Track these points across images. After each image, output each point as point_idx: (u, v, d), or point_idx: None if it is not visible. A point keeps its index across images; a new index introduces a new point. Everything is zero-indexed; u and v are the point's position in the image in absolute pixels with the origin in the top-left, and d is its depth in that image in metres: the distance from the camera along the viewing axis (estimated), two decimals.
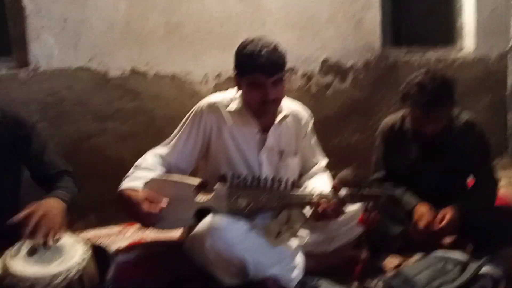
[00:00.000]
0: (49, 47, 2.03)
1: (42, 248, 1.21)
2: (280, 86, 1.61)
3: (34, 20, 1.99)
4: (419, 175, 1.92)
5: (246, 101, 1.65)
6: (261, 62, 1.53)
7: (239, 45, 1.62)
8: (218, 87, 2.38)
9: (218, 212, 1.51)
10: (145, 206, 1.46)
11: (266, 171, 1.68)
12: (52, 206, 1.31)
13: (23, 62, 2.02)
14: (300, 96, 2.57)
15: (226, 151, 1.67)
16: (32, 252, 1.19)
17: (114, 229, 2.08)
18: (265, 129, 1.70)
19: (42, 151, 1.57)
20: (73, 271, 1.16)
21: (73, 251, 1.23)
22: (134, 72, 2.22)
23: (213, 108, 1.69)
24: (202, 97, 2.32)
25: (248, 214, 1.55)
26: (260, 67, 1.53)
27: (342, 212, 1.52)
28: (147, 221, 1.52)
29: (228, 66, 2.37)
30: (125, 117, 2.24)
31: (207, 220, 1.48)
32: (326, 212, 1.49)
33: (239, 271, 1.50)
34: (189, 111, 2.21)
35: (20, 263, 1.14)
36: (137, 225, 1.98)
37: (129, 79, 2.21)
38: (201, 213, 1.54)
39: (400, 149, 1.97)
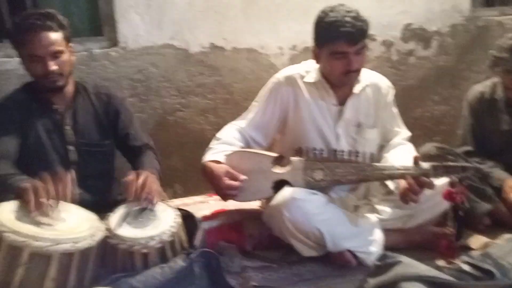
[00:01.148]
0: (136, 26, 2.14)
1: (139, 212, 1.33)
2: (362, 55, 1.56)
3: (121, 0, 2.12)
4: (511, 149, 1.77)
5: (325, 72, 1.62)
6: (344, 30, 1.48)
7: (319, 14, 1.58)
8: (294, 59, 2.36)
9: (295, 185, 1.54)
10: (226, 180, 1.53)
11: (343, 144, 1.66)
12: (149, 175, 1.42)
13: (114, 41, 2.17)
14: (379, 64, 2.47)
15: (302, 124, 1.67)
16: (130, 216, 1.32)
17: (198, 198, 2.20)
18: (342, 101, 1.67)
19: (129, 123, 1.71)
20: (166, 235, 1.27)
21: (165, 216, 1.34)
22: (213, 47, 2.28)
23: (290, 80, 1.68)
24: (278, 70, 2.33)
25: (324, 187, 1.57)
26: (344, 35, 1.49)
27: (429, 186, 1.43)
28: (228, 193, 1.59)
29: (303, 37, 2.36)
30: (205, 91, 2.32)
31: (285, 191, 1.52)
32: (410, 187, 1.43)
33: (317, 243, 1.54)
34: (265, 84, 2.24)
35: (121, 226, 1.28)
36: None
37: (209, 55, 2.28)
38: (278, 185, 1.58)
39: (490, 121, 1.83)
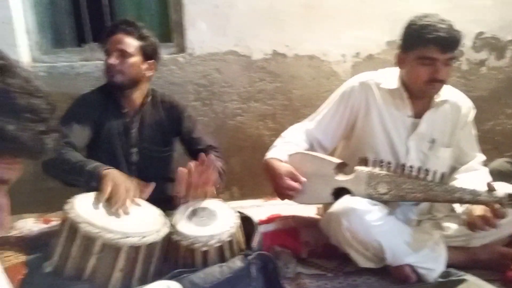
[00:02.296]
0: (202, 33, 2.24)
1: (200, 211, 1.38)
2: (450, 67, 1.50)
3: (190, 8, 2.21)
4: None
5: (408, 79, 1.56)
6: (438, 35, 1.43)
7: (411, 18, 1.53)
8: (356, 67, 2.34)
9: (356, 194, 1.52)
10: (287, 180, 1.54)
11: (413, 159, 1.60)
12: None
13: (181, 47, 2.28)
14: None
15: (371, 133, 1.63)
16: (192, 215, 1.38)
17: (254, 202, 2.24)
18: (417, 114, 1.60)
19: (192, 128, 1.80)
20: (225, 235, 1.30)
21: (225, 217, 1.38)
22: (275, 54, 2.31)
23: (365, 86, 1.64)
24: (339, 77, 2.33)
25: (387, 201, 1.52)
26: (437, 40, 1.44)
27: (501, 216, 1.33)
28: (286, 193, 1.58)
29: (367, 45, 2.34)
30: (265, 97, 2.36)
31: (345, 200, 1.50)
32: (485, 219, 1.34)
33: (375, 255, 1.50)
34: (326, 91, 2.23)
35: (183, 223, 1.34)
36: (275, 200, 2.11)
37: (270, 61, 2.32)
38: (338, 192, 1.56)
39: None
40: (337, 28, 2.32)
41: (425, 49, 1.46)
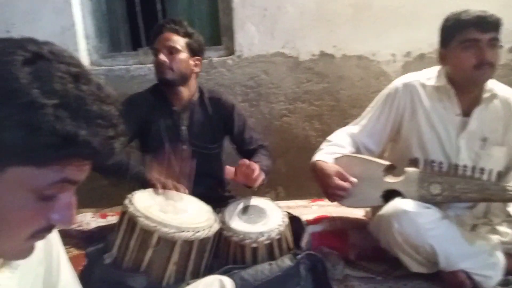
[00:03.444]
0: (251, 35, 2.28)
1: (250, 209, 1.41)
2: (496, 49, 1.45)
3: (239, 11, 2.26)
4: None
5: (454, 71, 1.52)
6: (475, 15, 1.42)
7: (445, 17, 1.52)
8: (407, 67, 2.28)
9: (407, 197, 1.48)
10: (336, 180, 1.53)
11: (464, 158, 1.55)
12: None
13: (231, 50, 2.33)
14: (505, 73, 2.25)
15: (419, 134, 1.59)
16: (243, 213, 1.41)
17: (300, 202, 2.24)
18: (466, 112, 1.55)
19: (242, 128, 1.82)
20: (274, 232, 1.33)
21: (274, 216, 1.40)
22: (322, 54, 2.31)
23: (409, 87, 1.61)
24: (389, 77, 2.29)
25: (440, 203, 1.48)
26: (473, 21, 1.42)
27: None
28: (336, 193, 1.56)
29: (418, 44, 2.28)
30: (312, 98, 2.36)
31: (396, 202, 1.47)
32: None
33: (427, 260, 1.45)
34: (374, 92, 2.19)
35: (234, 220, 1.37)
36: (321, 201, 2.10)
37: (318, 62, 2.32)
38: (388, 195, 1.54)
39: None
40: (386, 27, 2.28)
41: (465, 32, 1.43)
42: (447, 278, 1.46)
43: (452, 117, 1.56)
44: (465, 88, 1.53)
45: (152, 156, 1.62)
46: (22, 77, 0.49)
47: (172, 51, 1.70)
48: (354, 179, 1.54)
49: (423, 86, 1.60)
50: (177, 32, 1.72)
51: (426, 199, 1.46)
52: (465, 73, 1.48)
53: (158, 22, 1.84)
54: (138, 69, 2.31)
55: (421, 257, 1.45)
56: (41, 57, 0.52)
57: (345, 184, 1.52)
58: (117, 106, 0.57)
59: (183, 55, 1.72)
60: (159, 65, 1.70)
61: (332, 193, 1.56)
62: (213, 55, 2.31)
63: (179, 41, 1.72)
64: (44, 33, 2.18)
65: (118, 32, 2.58)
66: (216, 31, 2.40)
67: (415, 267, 1.48)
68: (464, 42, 1.45)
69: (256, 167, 1.45)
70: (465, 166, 1.42)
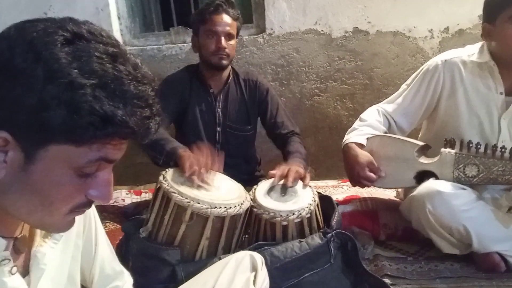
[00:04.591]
0: (282, 13, 2.24)
1: (281, 188, 1.42)
2: None
3: None
4: None
5: (501, 47, 1.44)
6: None
7: None
8: (445, 43, 2.20)
9: (441, 178, 1.45)
10: (367, 171, 1.52)
11: (504, 139, 1.49)
12: (298, 164, 1.53)
13: (261, 28, 2.31)
14: None
15: (457, 113, 1.54)
16: (273, 191, 1.42)
17: (330, 182, 2.23)
18: (510, 91, 1.48)
19: (275, 112, 1.81)
20: (305, 211, 1.33)
21: (305, 194, 1.41)
22: (356, 31, 2.25)
23: (450, 64, 1.54)
24: (425, 54, 2.21)
25: (475, 185, 1.44)
26: None
27: None
28: (361, 183, 1.58)
29: (457, 19, 2.18)
30: (344, 77, 2.32)
31: (429, 183, 1.44)
32: None
33: (460, 241, 1.43)
34: (410, 69, 2.13)
35: (265, 198, 1.39)
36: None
37: (351, 39, 2.26)
38: (421, 176, 1.51)
39: None
40: (425, 2, 2.19)
41: None
42: (481, 260, 1.44)
43: (494, 95, 1.50)
44: (511, 66, 1.45)
45: (188, 138, 1.65)
46: (62, 57, 0.51)
47: (229, 37, 1.69)
48: (383, 173, 1.53)
49: (464, 63, 1.53)
50: (233, 16, 1.70)
51: (461, 181, 1.43)
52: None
53: (190, 4, 1.82)
54: (170, 48, 2.33)
55: (454, 238, 1.43)
56: (81, 37, 0.53)
57: (374, 176, 1.52)
58: (153, 86, 0.57)
59: (235, 40, 1.72)
60: (218, 50, 1.67)
61: (358, 181, 1.57)
62: (244, 34, 2.29)
63: (234, 26, 1.71)
64: (79, 14, 2.21)
65: (149, 12, 2.60)
66: (247, 8, 2.38)
67: (447, 248, 1.47)
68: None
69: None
70: (503, 148, 1.37)
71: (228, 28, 1.67)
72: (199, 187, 1.31)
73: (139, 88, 0.54)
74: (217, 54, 1.68)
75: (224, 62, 1.70)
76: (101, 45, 0.54)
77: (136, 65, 0.56)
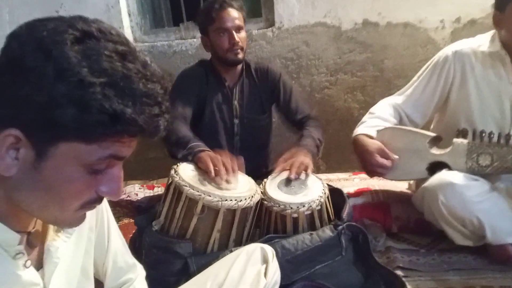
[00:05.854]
0: (291, 6, 2.23)
1: (291, 181, 1.43)
2: None
3: None
4: None
5: (511, 34, 1.41)
6: None
7: None
8: (457, 34, 2.16)
9: (454, 169, 1.44)
10: (378, 158, 1.51)
11: None
12: (305, 153, 1.52)
13: (270, 21, 2.31)
14: None
15: (468, 104, 1.52)
16: (284, 184, 1.43)
17: (341, 175, 2.23)
18: None
19: (289, 97, 1.80)
20: (315, 203, 1.33)
21: (315, 187, 1.41)
22: (366, 23, 2.23)
23: (460, 55, 1.53)
24: (437, 45, 2.18)
25: (489, 174, 1.42)
26: None
27: None
28: (376, 170, 1.56)
29: (468, 9, 2.14)
30: (354, 69, 2.31)
31: (442, 174, 1.43)
32: None
33: (474, 233, 1.42)
34: (421, 61, 2.10)
35: (275, 191, 1.39)
36: (363, 174, 2.08)
37: (361, 31, 2.24)
38: (434, 167, 1.49)
39: None
40: None
41: None
42: (494, 252, 1.42)
43: (506, 85, 1.47)
44: None
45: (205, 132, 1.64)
46: (72, 56, 0.51)
47: (239, 30, 1.68)
48: (395, 157, 1.51)
49: (475, 53, 1.51)
50: (237, 8, 1.69)
51: (475, 171, 1.41)
52: None
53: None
54: (180, 44, 2.34)
55: (467, 230, 1.42)
56: (90, 36, 0.54)
57: (386, 162, 1.50)
58: (162, 84, 0.57)
59: (244, 31, 1.71)
60: (233, 46, 1.66)
61: (372, 170, 1.56)
62: (253, 28, 2.29)
63: (241, 17, 1.69)
64: (90, 12, 2.25)
65: (159, 8, 2.61)
66: (256, 2, 2.37)
67: (460, 240, 1.45)
68: None
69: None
70: None
71: (237, 21, 1.67)
72: (209, 180, 1.32)
73: (148, 86, 0.55)
74: (232, 50, 1.67)
75: (240, 56, 1.70)
76: (110, 43, 0.54)
77: (145, 63, 0.56)
